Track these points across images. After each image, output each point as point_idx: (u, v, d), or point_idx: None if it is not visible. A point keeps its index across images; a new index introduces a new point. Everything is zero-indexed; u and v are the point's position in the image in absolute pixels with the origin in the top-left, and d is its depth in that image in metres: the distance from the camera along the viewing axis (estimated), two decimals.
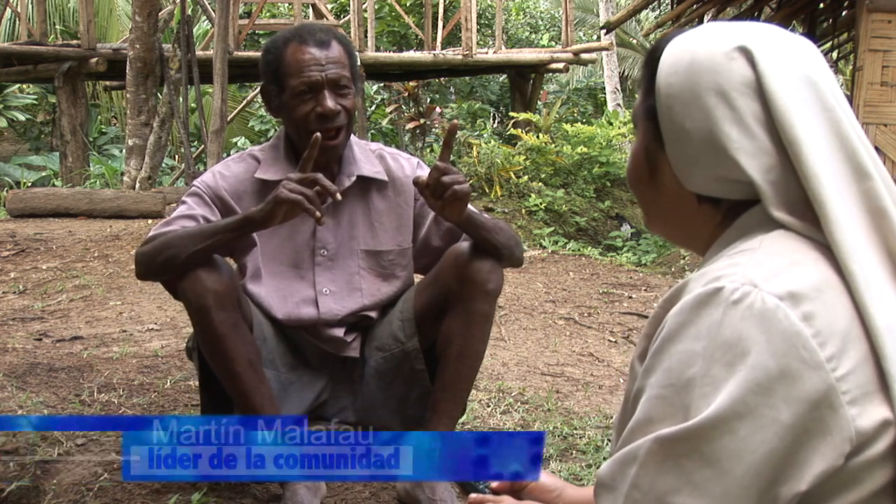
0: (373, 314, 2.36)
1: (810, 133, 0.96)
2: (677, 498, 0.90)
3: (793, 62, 0.99)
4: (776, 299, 0.90)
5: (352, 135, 2.35)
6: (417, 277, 2.42)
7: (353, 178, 2.31)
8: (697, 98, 0.99)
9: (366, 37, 11.13)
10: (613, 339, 4.30)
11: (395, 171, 2.36)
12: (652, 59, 1.06)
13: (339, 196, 2.02)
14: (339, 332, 2.33)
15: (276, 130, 2.39)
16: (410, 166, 2.38)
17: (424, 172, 2.36)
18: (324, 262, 2.31)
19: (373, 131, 13.50)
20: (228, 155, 2.48)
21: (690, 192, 1.04)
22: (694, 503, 0.89)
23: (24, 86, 13.10)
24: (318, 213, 1.98)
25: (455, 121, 2.10)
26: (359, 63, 2.33)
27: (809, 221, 0.96)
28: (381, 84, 14.01)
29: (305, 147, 2.19)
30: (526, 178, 8.56)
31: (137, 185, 8.31)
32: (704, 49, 1.01)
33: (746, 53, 0.99)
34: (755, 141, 0.97)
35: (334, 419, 2.39)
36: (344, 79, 2.22)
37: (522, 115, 10.58)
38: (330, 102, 2.19)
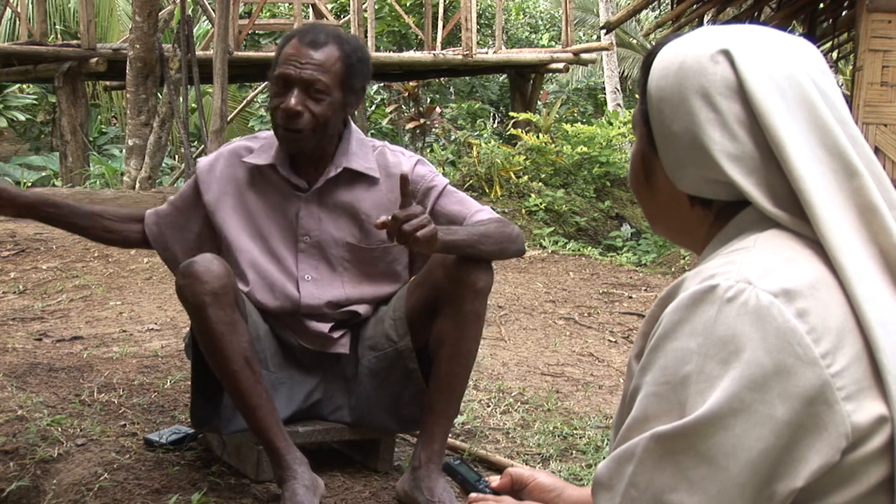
0: (360, 309, 2.36)
1: (794, 133, 0.96)
2: (674, 496, 0.90)
3: (776, 62, 0.99)
4: (770, 296, 0.90)
5: (356, 129, 2.37)
6: None
7: (339, 170, 2.32)
8: (684, 101, 1.01)
9: (366, 37, 11.13)
10: (613, 339, 4.30)
11: (393, 167, 2.36)
12: (646, 63, 1.07)
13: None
14: (323, 327, 2.33)
15: None
16: (409, 164, 2.38)
17: (425, 169, 2.37)
18: (307, 250, 2.33)
19: (373, 131, 13.49)
20: None
21: (683, 194, 1.05)
22: (690, 500, 0.90)
23: (24, 86, 13.09)
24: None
25: (405, 173, 2.08)
26: (365, 69, 2.31)
27: (800, 218, 0.97)
28: (381, 84, 14.01)
29: (278, 138, 2.28)
30: (526, 178, 8.56)
31: (137, 185, 8.31)
32: (692, 53, 1.02)
33: (728, 56, 1.00)
34: (737, 143, 0.98)
35: (330, 418, 2.39)
36: (319, 83, 2.20)
37: (522, 115, 10.56)
38: (292, 101, 2.20)
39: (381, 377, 2.34)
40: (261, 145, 2.37)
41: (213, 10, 9.07)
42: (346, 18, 12.31)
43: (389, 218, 1.97)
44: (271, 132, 2.39)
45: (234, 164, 2.37)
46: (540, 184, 8.59)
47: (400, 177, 2.06)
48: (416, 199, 2.35)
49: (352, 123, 2.37)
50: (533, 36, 19.01)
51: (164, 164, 10.99)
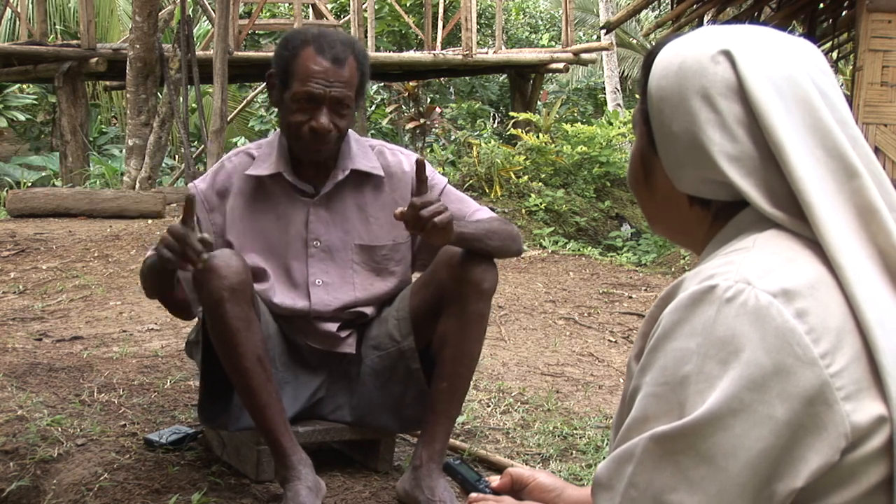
0: (367, 310, 2.37)
1: (793, 134, 0.96)
2: (674, 496, 0.90)
3: (776, 63, 0.99)
4: (769, 296, 0.90)
5: (351, 131, 2.36)
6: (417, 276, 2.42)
7: (347, 172, 2.32)
8: (684, 101, 1.01)
9: (366, 37, 11.13)
10: (613, 339, 4.30)
11: (394, 167, 2.37)
12: (647, 63, 1.07)
13: (200, 266, 1.99)
14: (332, 327, 2.34)
15: (275, 130, 2.40)
16: (409, 162, 2.38)
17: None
18: (317, 254, 2.33)
19: (373, 131, 13.50)
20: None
21: (682, 194, 1.05)
22: (690, 501, 0.90)
23: (24, 86, 13.09)
24: (188, 267, 2.00)
25: (421, 157, 2.11)
26: (368, 74, 2.33)
27: (799, 218, 0.97)
28: (381, 84, 14.01)
29: (295, 149, 2.27)
30: (526, 178, 8.56)
31: (137, 185, 8.31)
32: (692, 53, 1.02)
33: (729, 56, 1.00)
34: (737, 144, 0.98)
35: (330, 417, 2.39)
36: (347, 99, 2.22)
37: (522, 115, 10.57)
38: (324, 119, 2.20)
39: (383, 377, 2.34)
40: (259, 155, 2.35)
41: (213, 10, 9.07)
42: (346, 18, 12.31)
43: (406, 208, 1.99)
44: (266, 140, 2.39)
45: (235, 177, 2.34)
46: (540, 184, 8.59)
47: (416, 161, 2.09)
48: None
49: None
50: (533, 36, 19.02)
51: (164, 164, 10.99)
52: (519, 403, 3.09)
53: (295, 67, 2.21)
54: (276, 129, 2.39)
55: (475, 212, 2.34)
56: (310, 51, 2.21)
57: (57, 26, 14.21)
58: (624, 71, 18.21)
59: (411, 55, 12.23)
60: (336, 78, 2.20)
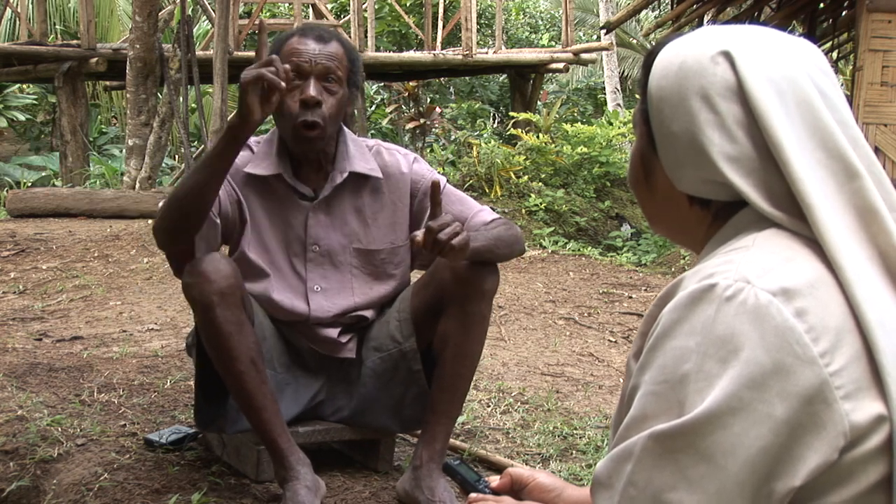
0: (367, 314, 2.36)
1: (792, 135, 0.96)
2: (673, 494, 0.90)
3: (776, 64, 0.99)
4: (769, 295, 0.90)
5: (347, 130, 2.34)
6: (418, 274, 2.42)
7: (346, 175, 2.30)
8: (683, 101, 1.01)
9: (366, 37, 11.13)
10: (613, 339, 4.30)
11: (391, 167, 2.35)
12: (647, 63, 1.07)
13: (291, 74, 1.97)
14: (332, 332, 2.33)
15: (274, 128, 2.38)
16: (407, 162, 2.37)
17: (421, 167, 2.36)
18: (316, 259, 2.31)
19: (373, 131, 13.49)
20: None
21: (682, 194, 1.05)
22: (689, 499, 0.90)
23: (24, 86, 13.09)
24: (282, 84, 1.94)
25: (436, 179, 2.08)
26: (361, 68, 2.32)
27: (799, 218, 0.97)
28: (381, 84, 14.01)
29: (290, 142, 2.23)
30: (526, 178, 8.56)
31: (137, 185, 8.31)
32: (692, 53, 1.02)
33: (728, 57, 1.00)
34: (737, 145, 0.98)
35: (331, 419, 2.39)
36: (333, 74, 2.21)
37: (522, 115, 10.57)
38: (312, 90, 2.18)
39: (384, 378, 2.33)
40: (257, 151, 2.31)
41: (213, 10, 9.07)
42: (346, 18, 12.30)
43: (423, 232, 1.97)
44: (265, 137, 2.35)
45: (234, 172, 2.27)
46: (540, 184, 8.59)
47: (431, 185, 2.04)
48: (417, 197, 2.35)
49: (342, 125, 2.35)
50: (533, 36, 19.02)
51: (164, 164, 10.98)
52: (519, 403, 3.10)
53: (281, 55, 2.20)
54: (274, 128, 2.35)
55: (478, 213, 2.32)
56: (294, 38, 2.24)
57: (57, 26, 14.22)
58: (624, 71, 18.21)
59: (411, 55, 12.23)
60: (321, 51, 2.20)
